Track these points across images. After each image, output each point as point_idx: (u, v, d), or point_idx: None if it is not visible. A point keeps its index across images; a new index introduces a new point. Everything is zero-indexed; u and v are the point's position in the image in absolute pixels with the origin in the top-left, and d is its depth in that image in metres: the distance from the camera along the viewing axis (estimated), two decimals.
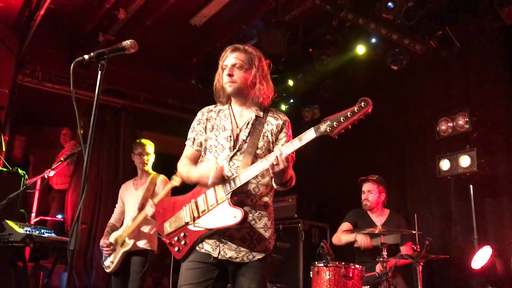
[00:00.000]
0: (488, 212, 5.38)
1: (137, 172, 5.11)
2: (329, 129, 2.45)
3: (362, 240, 4.96)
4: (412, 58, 6.06)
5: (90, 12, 6.61)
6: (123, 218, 4.97)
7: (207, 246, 2.73)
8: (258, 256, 2.72)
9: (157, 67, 8.20)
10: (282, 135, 2.85)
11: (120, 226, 4.91)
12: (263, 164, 2.56)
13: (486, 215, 5.37)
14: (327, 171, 7.45)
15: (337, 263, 4.28)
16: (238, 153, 2.77)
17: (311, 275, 4.45)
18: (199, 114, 3.00)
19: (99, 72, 2.38)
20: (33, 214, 7.35)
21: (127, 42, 2.49)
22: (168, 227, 2.93)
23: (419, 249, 4.21)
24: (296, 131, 2.69)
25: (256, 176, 2.69)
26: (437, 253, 4.39)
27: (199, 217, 2.75)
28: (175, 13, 6.50)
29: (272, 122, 2.86)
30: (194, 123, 2.99)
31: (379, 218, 5.23)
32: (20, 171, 5.54)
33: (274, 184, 2.76)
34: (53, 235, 5.08)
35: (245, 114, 2.90)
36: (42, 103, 8.59)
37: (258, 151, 2.75)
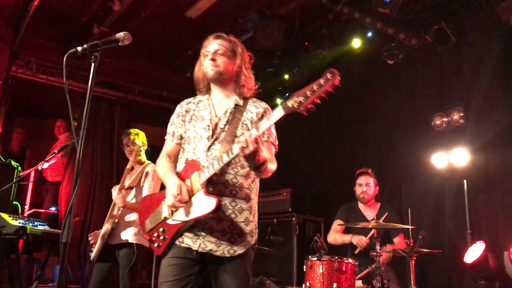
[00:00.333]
0: (482, 207, 5.41)
1: None
2: (296, 105, 2.28)
3: (358, 242, 4.97)
4: (408, 53, 6.06)
5: (85, 3, 6.56)
6: None
7: (187, 240, 2.66)
8: (239, 250, 2.64)
9: (152, 60, 8.16)
10: None
11: None
12: (234, 148, 2.45)
13: (479, 210, 5.39)
14: (322, 165, 7.44)
15: (330, 257, 4.29)
16: (216, 142, 2.69)
17: (304, 269, 4.46)
18: (178, 107, 2.96)
19: (92, 64, 2.36)
20: (26, 206, 7.33)
21: (121, 34, 2.47)
22: (149, 223, 2.85)
23: (412, 244, 4.23)
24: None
25: (235, 166, 2.65)
26: (430, 247, 4.40)
27: (177, 210, 2.67)
28: (171, 5, 6.47)
29: (252, 110, 2.78)
30: (173, 117, 2.93)
31: (371, 212, 5.26)
32: (13, 163, 5.52)
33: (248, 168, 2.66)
34: (46, 227, 5.07)
35: (224, 103, 2.82)
36: (37, 95, 8.56)
37: (237, 140, 2.58)
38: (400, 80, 6.62)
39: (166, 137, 2.94)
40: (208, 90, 2.90)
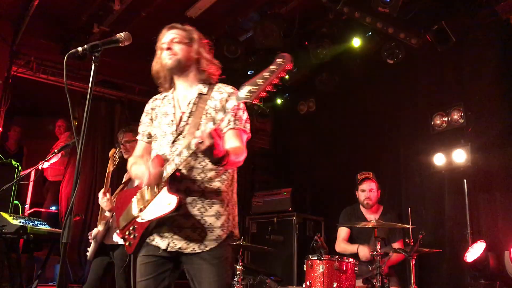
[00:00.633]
0: (482, 206, 5.40)
1: None
2: (249, 95, 2.12)
3: (362, 253, 4.98)
4: (408, 52, 6.05)
5: (85, 3, 6.55)
6: None
7: (157, 239, 2.58)
8: (211, 245, 2.53)
9: (153, 59, 8.13)
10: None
11: None
12: (192, 143, 2.30)
13: (479, 209, 5.39)
14: (322, 165, 7.45)
15: (330, 256, 4.30)
16: (180, 137, 2.60)
17: (304, 268, 4.46)
18: (146, 105, 2.89)
19: (93, 64, 2.36)
20: (27, 206, 7.32)
21: (121, 35, 2.46)
22: (122, 221, 2.75)
23: (412, 243, 4.23)
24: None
25: (202, 160, 2.53)
26: (430, 247, 4.40)
27: (145, 207, 2.57)
28: (171, 4, 6.46)
29: (216, 97, 2.64)
30: (142, 116, 2.86)
31: (373, 215, 5.23)
32: (14, 162, 5.52)
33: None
34: (47, 226, 5.07)
35: (189, 95, 2.71)
36: (37, 94, 8.55)
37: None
38: (400, 79, 6.62)
39: (137, 137, 2.89)
40: (171, 85, 2.80)
